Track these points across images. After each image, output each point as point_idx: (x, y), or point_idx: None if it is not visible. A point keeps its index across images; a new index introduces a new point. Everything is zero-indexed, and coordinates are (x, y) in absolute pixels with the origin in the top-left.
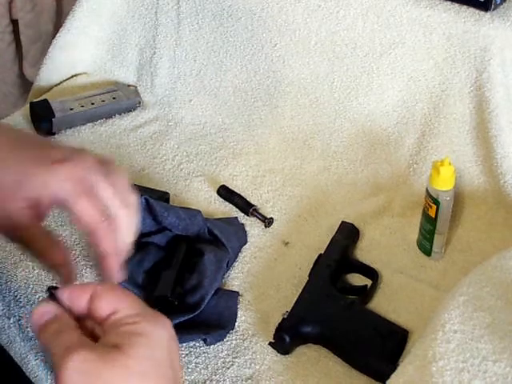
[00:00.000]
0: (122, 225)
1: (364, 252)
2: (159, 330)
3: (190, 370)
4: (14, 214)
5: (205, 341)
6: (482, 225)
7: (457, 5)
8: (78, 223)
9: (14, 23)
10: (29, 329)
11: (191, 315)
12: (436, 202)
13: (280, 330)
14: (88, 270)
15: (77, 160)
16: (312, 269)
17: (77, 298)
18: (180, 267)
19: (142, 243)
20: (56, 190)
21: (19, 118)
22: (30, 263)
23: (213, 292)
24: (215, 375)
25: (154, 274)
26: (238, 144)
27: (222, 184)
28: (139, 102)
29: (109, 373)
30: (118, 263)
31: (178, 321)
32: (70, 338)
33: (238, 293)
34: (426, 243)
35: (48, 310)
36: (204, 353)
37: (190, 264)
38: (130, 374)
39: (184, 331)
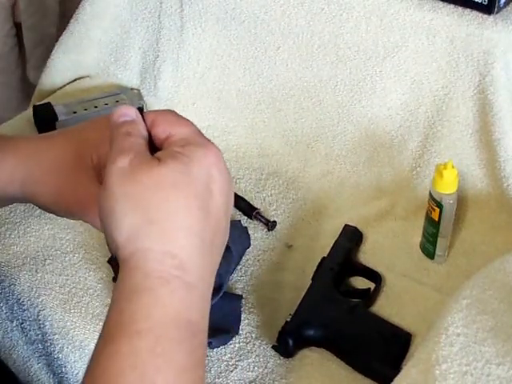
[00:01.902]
0: None
1: (367, 255)
2: (202, 154)
3: None
4: None
5: (209, 344)
6: (485, 228)
7: (460, 8)
8: None
9: (18, 26)
10: (32, 332)
11: None
12: (439, 205)
13: (283, 333)
14: (92, 273)
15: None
16: (315, 272)
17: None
18: None
19: None
20: None
21: (22, 122)
22: (33, 266)
23: (221, 295)
24: (218, 378)
25: None
26: (241, 147)
27: None
28: (142, 106)
29: (144, 177)
30: None
31: None
32: (133, 142)
33: (241, 296)
34: (429, 246)
35: (129, 113)
36: (207, 356)
37: None
38: (161, 181)
39: None
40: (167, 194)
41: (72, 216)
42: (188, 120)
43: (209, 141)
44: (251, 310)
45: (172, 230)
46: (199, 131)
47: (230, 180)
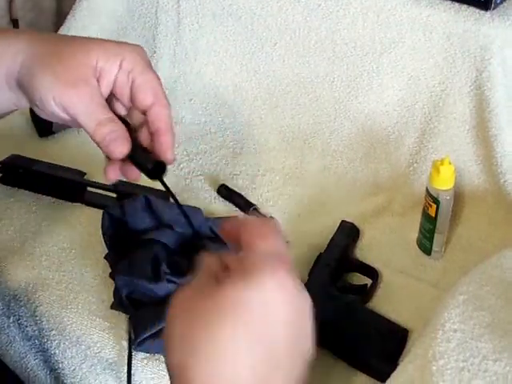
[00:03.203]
0: None
1: (364, 251)
2: (267, 276)
3: None
4: None
5: None
6: (482, 224)
7: (457, 4)
8: None
9: (14, 23)
10: (28, 328)
11: None
12: (436, 201)
13: None
14: (88, 269)
15: None
16: (312, 268)
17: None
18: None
19: (143, 240)
20: None
21: (19, 118)
22: (30, 262)
23: None
24: None
25: (157, 268)
26: (238, 143)
27: (222, 183)
28: None
29: (196, 305)
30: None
31: None
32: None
33: None
34: (426, 242)
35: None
36: None
37: (190, 258)
38: (209, 309)
39: None
40: (213, 323)
41: (64, 94)
42: (275, 233)
43: (283, 261)
44: None
45: (215, 362)
46: (281, 249)
47: (303, 312)
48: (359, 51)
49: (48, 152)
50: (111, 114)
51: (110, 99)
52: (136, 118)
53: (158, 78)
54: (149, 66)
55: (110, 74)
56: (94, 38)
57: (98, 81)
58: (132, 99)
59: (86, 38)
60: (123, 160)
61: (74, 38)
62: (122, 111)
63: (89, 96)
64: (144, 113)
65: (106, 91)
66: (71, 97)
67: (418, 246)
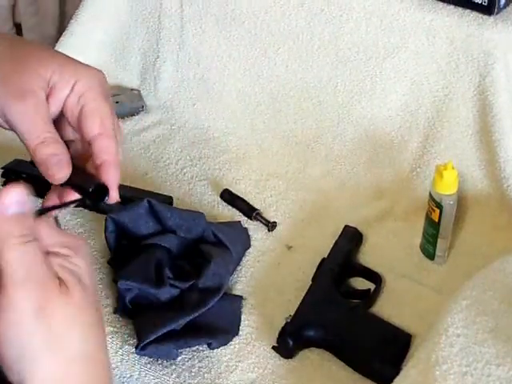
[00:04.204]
0: None
1: (367, 256)
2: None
3: (193, 373)
4: None
5: (209, 345)
6: (485, 229)
7: (460, 8)
8: None
9: (17, 27)
10: None
11: (196, 314)
12: (439, 206)
13: (283, 333)
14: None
15: None
16: (315, 273)
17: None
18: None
19: (146, 245)
20: None
21: None
22: None
23: (221, 295)
24: (218, 379)
25: (160, 272)
26: (241, 148)
27: (225, 188)
28: (142, 106)
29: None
30: None
31: (194, 315)
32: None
33: (241, 297)
34: (429, 247)
35: (21, 199)
36: (207, 357)
37: (193, 263)
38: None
39: (189, 335)
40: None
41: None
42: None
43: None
44: (251, 310)
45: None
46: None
47: None
48: (362, 56)
49: None
50: (54, 133)
51: (60, 122)
52: (84, 148)
53: (111, 108)
54: (104, 93)
55: (61, 92)
56: (55, 51)
57: (47, 97)
58: (78, 126)
59: (46, 48)
60: (62, 184)
61: (33, 45)
62: (70, 136)
63: (34, 109)
64: (89, 144)
65: (54, 110)
66: (16, 109)
67: (421, 251)
